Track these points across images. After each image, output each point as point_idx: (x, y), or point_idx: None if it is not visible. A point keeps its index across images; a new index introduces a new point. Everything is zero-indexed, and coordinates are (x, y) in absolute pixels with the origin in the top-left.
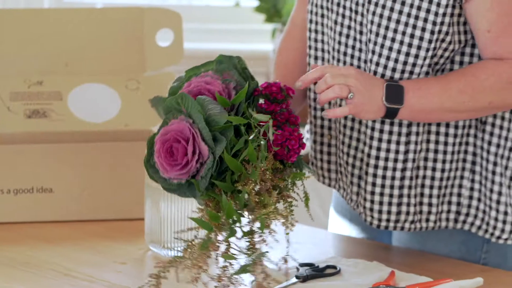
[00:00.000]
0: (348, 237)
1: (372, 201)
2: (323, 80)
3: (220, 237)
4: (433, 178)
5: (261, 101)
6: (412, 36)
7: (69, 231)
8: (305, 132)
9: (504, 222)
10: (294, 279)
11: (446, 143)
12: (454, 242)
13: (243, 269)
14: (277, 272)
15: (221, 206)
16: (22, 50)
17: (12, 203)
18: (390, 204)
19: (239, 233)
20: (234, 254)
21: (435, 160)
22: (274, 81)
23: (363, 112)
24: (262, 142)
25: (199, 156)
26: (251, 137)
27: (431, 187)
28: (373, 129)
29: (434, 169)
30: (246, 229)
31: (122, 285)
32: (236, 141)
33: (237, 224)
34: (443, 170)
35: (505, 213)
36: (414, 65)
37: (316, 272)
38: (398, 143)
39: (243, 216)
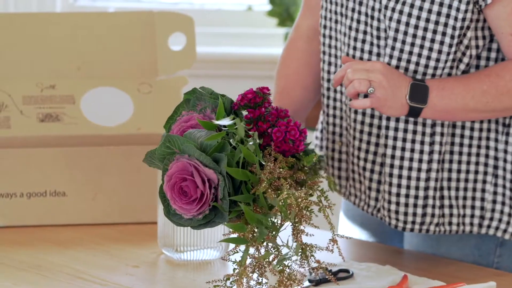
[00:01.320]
0: (360, 240)
1: (397, 203)
2: (345, 76)
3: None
4: (458, 180)
5: (245, 112)
6: (432, 41)
7: (82, 235)
8: (314, 138)
9: None
10: (307, 283)
11: (470, 145)
12: (466, 246)
13: (282, 260)
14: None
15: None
16: (35, 53)
17: (25, 207)
18: (415, 206)
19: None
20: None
21: (459, 162)
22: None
23: (385, 108)
24: (250, 142)
25: (209, 182)
26: (234, 142)
27: (457, 189)
28: (396, 129)
29: (459, 171)
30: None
31: None
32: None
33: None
34: (467, 172)
35: None
36: (435, 68)
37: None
38: (422, 143)
39: (273, 217)
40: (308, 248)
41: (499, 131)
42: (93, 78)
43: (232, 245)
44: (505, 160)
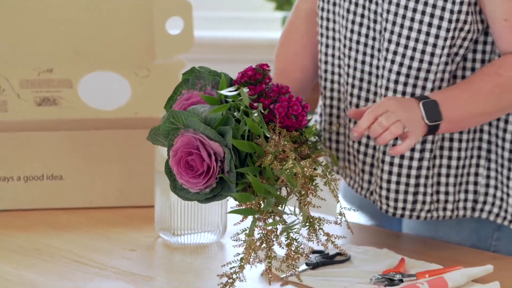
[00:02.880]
0: (358, 224)
1: (388, 189)
2: (377, 125)
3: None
4: (449, 167)
5: (246, 90)
6: (430, 25)
7: (79, 218)
8: (313, 121)
9: None
10: (304, 266)
11: (461, 132)
12: (464, 230)
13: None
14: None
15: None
16: (32, 38)
17: (22, 191)
18: (406, 192)
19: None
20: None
21: (450, 149)
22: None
23: (412, 136)
24: (255, 114)
25: (215, 156)
26: (239, 114)
27: (447, 175)
28: None
29: (450, 158)
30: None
31: (132, 272)
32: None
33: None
34: (458, 158)
35: None
36: (432, 54)
37: (326, 259)
38: None
39: (279, 187)
40: (316, 221)
41: None
42: (91, 62)
43: (231, 231)
44: (497, 145)
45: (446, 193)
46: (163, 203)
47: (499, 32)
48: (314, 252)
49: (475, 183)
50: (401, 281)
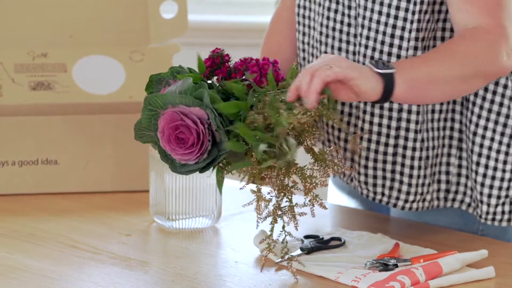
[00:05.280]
0: (350, 208)
1: (366, 175)
2: (298, 81)
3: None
4: (420, 158)
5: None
6: (398, 8)
7: (74, 203)
8: None
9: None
10: (298, 251)
11: (432, 120)
12: (451, 215)
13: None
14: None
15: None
16: (26, 22)
17: (17, 175)
18: (384, 178)
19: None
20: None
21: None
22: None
23: (360, 79)
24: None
25: (201, 120)
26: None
27: (419, 167)
28: (365, 103)
29: (421, 149)
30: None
31: (127, 257)
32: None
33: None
34: (432, 148)
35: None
36: (402, 38)
37: (321, 244)
38: (390, 118)
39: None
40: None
41: (464, 105)
42: (85, 46)
43: (226, 216)
44: (468, 133)
45: (423, 185)
46: (158, 187)
47: (455, 11)
48: (308, 237)
49: (447, 173)
50: (396, 266)
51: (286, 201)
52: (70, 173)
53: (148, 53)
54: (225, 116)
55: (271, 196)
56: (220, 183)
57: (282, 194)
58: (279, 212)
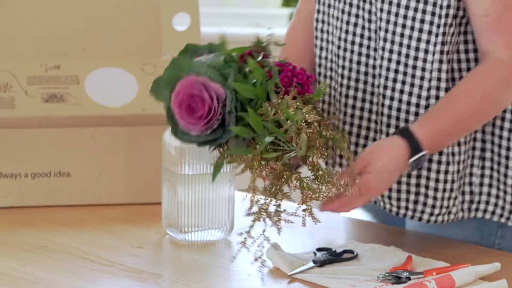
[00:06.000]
0: (364, 221)
1: (389, 189)
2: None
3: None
4: (447, 172)
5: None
6: (422, 21)
7: (87, 215)
8: None
9: None
10: (311, 264)
11: None
12: (468, 227)
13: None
14: (295, 258)
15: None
16: (39, 34)
17: (29, 187)
18: (408, 192)
19: None
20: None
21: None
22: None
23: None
24: (271, 64)
25: (217, 97)
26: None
27: (445, 181)
28: (389, 116)
29: (448, 163)
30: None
31: (139, 269)
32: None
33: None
34: (458, 162)
35: None
36: (426, 51)
37: (334, 256)
38: None
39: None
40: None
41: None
42: (98, 59)
43: (238, 229)
44: (492, 143)
45: (449, 198)
46: (170, 200)
47: (479, 29)
48: (321, 249)
49: (470, 184)
50: (409, 278)
51: (275, 205)
52: (82, 185)
53: (160, 65)
54: (241, 103)
55: (262, 198)
56: (216, 170)
57: (273, 196)
58: (264, 214)
